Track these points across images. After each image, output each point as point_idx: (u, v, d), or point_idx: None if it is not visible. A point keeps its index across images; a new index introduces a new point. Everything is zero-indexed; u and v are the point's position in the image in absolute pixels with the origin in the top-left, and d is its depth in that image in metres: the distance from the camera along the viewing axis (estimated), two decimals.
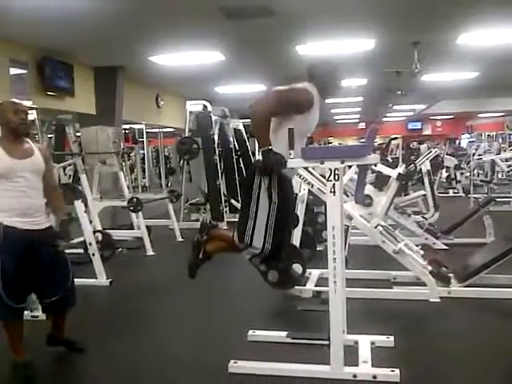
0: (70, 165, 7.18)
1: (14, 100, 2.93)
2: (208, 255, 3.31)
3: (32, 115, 6.61)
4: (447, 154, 12.80)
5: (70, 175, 8.56)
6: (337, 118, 20.81)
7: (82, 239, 4.92)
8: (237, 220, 3.12)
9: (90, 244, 4.75)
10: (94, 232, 5.15)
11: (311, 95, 2.92)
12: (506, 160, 12.48)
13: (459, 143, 20.90)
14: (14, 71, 6.36)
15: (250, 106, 2.93)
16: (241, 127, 9.21)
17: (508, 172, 12.70)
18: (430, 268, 4.05)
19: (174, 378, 2.88)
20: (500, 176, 12.95)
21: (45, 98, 6.83)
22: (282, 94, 2.92)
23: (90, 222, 5.32)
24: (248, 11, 5.28)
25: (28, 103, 6.61)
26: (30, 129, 3.03)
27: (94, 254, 4.75)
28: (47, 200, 3.01)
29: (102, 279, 4.72)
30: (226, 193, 8.44)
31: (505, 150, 14.22)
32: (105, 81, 8.09)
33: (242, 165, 8.99)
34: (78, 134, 7.26)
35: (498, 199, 6.85)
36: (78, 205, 4.69)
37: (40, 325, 3.26)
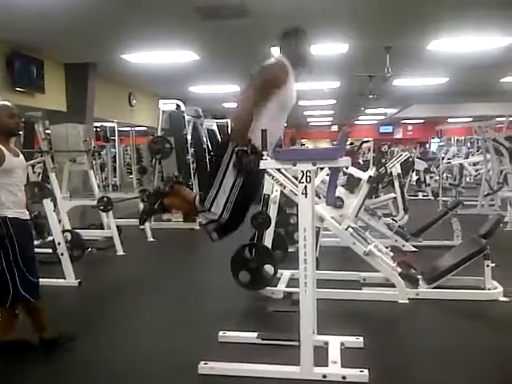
0: (39, 162, 7.07)
1: (7, 103, 3.10)
2: (164, 207, 3.35)
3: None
4: (417, 158, 13.02)
5: (39, 173, 8.39)
6: (310, 121, 20.96)
7: (50, 238, 4.82)
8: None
9: (59, 244, 4.65)
10: (63, 231, 5.06)
11: (285, 67, 2.96)
12: (474, 164, 12.77)
13: (429, 147, 21.27)
14: None
15: (231, 119, 2.98)
16: (214, 127, 9.19)
17: (475, 176, 12.99)
18: (399, 270, 4.11)
19: (143, 379, 2.85)
20: (468, 180, 13.24)
21: (13, 94, 6.68)
22: (258, 80, 2.95)
23: (59, 221, 5.22)
24: (223, 11, 5.27)
25: None
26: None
27: (62, 254, 4.65)
28: None
29: (71, 280, 4.63)
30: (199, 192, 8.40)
31: (473, 155, 14.53)
32: (76, 78, 7.95)
33: None
34: (47, 131, 7.13)
35: (465, 202, 6.99)
36: (47, 203, 4.60)
37: None
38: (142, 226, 3.45)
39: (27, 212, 3.14)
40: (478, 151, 14.65)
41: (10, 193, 2.98)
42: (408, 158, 8.66)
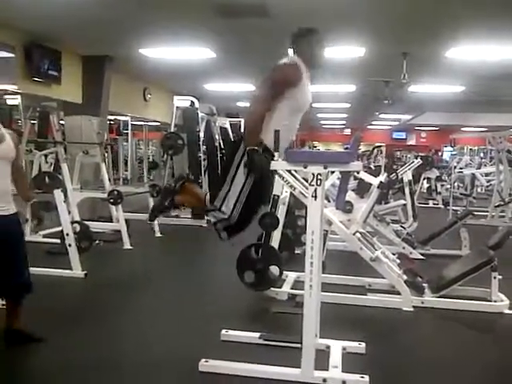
0: (51, 153, 7.12)
1: None
2: (174, 204, 3.35)
3: (16, 100, 6.54)
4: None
5: (51, 163, 8.46)
6: (323, 123, 20.91)
7: (59, 229, 4.85)
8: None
9: (67, 234, 4.69)
10: (72, 222, 5.09)
11: (298, 69, 2.93)
12: (486, 175, 12.66)
13: (441, 155, 21.14)
14: (0, 54, 6.26)
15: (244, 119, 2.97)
16: (227, 126, 9.20)
17: (487, 187, 12.88)
18: (405, 277, 4.10)
19: (142, 373, 2.86)
20: (479, 190, 13.13)
21: (31, 84, 6.73)
22: (270, 80, 2.93)
23: (69, 212, 5.26)
24: (242, 10, 5.27)
25: (13, 87, 6.53)
26: None
27: (70, 245, 4.67)
28: (15, 186, 2.98)
29: (77, 271, 4.65)
30: (208, 190, 8.43)
31: (485, 165, 14.42)
32: (93, 70, 8.00)
33: None
34: (61, 122, 7.18)
35: (475, 213, 6.94)
36: (57, 194, 4.63)
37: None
38: (150, 222, 3.45)
39: (7, 207, 2.87)
40: (490, 162, 14.54)
41: None
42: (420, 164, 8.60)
